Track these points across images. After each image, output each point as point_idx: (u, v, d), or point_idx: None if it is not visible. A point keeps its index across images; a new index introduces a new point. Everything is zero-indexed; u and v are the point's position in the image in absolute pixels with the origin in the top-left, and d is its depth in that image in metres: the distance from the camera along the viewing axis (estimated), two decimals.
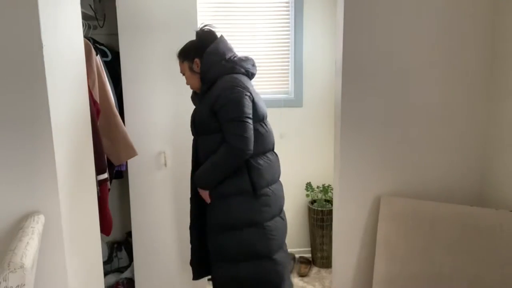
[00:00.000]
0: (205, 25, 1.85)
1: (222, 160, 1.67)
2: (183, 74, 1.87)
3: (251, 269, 1.74)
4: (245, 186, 1.71)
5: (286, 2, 2.83)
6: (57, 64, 1.31)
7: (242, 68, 1.76)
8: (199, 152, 1.82)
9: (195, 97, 1.90)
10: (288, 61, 2.89)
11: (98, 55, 2.14)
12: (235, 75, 1.72)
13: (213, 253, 1.82)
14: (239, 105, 1.64)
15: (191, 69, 1.82)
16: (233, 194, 1.73)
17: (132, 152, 2.19)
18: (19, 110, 1.20)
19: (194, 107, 1.90)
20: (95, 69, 2.03)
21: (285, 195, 3.07)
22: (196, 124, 1.80)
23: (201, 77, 1.79)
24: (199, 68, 1.79)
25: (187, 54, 1.83)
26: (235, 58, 1.77)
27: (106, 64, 2.27)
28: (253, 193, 1.71)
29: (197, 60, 1.79)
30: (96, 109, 1.95)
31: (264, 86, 2.91)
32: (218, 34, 1.83)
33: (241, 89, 1.66)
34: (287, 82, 2.92)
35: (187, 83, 1.87)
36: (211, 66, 1.75)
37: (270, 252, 1.76)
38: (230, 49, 1.80)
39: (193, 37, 1.85)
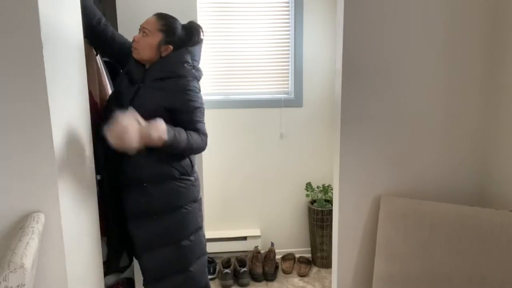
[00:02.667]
0: (193, 23, 1.81)
1: (196, 143, 1.67)
2: (143, 34, 1.69)
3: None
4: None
5: (286, 2, 2.83)
6: (57, 64, 1.31)
7: (199, 77, 1.82)
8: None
9: (136, 70, 1.74)
10: (288, 61, 2.89)
11: (98, 55, 2.14)
12: (197, 83, 1.77)
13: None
14: (203, 110, 1.75)
15: (157, 44, 1.69)
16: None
17: None
18: (19, 110, 1.20)
19: None
20: (95, 69, 2.03)
21: (285, 195, 3.07)
22: (141, 105, 1.63)
23: (162, 63, 1.70)
24: (164, 53, 1.71)
25: (170, 32, 1.72)
26: (200, 68, 1.82)
27: (106, 64, 2.27)
28: None
29: (170, 47, 1.72)
30: (96, 109, 1.95)
31: (264, 86, 2.92)
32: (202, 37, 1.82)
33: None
34: (287, 82, 2.92)
35: (138, 44, 1.70)
36: (184, 63, 1.72)
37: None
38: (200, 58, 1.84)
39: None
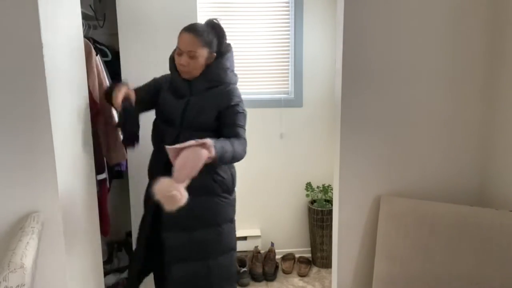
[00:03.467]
0: (215, 19, 1.77)
1: (238, 154, 1.65)
2: (191, 57, 1.66)
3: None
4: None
5: (286, 2, 2.83)
6: (57, 64, 1.31)
7: (237, 82, 1.85)
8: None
9: (182, 85, 1.73)
10: (288, 61, 2.89)
11: (98, 55, 2.14)
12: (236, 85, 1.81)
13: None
14: (246, 116, 1.78)
15: (205, 60, 1.70)
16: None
17: (121, 156, 2.20)
18: (19, 110, 1.20)
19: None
20: (95, 69, 2.03)
21: (285, 195, 3.07)
22: (191, 125, 1.69)
23: (206, 73, 1.71)
24: (210, 61, 1.72)
25: (210, 42, 1.70)
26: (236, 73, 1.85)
27: (106, 64, 2.27)
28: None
29: (214, 54, 1.73)
30: (96, 109, 1.95)
31: (264, 86, 2.91)
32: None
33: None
34: (287, 82, 2.92)
35: (188, 67, 1.68)
36: (227, 70, 1.75)
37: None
38: None
39: None
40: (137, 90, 1.74)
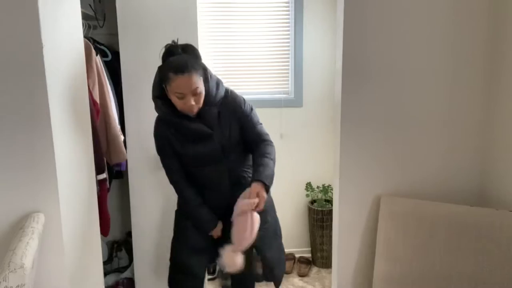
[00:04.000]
0: (174, 42, 1.68)
1: (274, 154, 1.76)
2: (195, 94, 1.58)
3: None
4: None
5: (286, 2, 2.83)
6: (57, 64, 1.31)
7: None
8: (234, 171, 1.79)
9: (197, 126, 1.67)
10: (288, 61, 2.89)
11: (98, 55, 2.15)
12: (229, 88, 1.79)
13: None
14: (254, 110, 1.81)
15: (203, 86, 1.61)
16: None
17: (121, 156, 2.20)
18: (19, 110, 1.20)
19: None
20: (95, 69, 2.03)
21: (285, 195, 3.07)
22: (230, 146, 1.72)
23: (209, 99, 1.64)
24: (202, 87, 1.61)
25: (199, 69, 1.60)
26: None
27: (106, 64, 2.28)
28: None
29: (202, 78, 1.62)
30: (96, 109, 1.95)
31: (264, 86, 2.91)
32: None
33: None
34: (287, 82, 2.92)
35: (198, 104, 1.61)
36: (217, 85, 1.69)
37: None
38: None
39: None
40: (174, 164, 1.79)
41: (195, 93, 1.58)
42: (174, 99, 1.59)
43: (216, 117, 1.69)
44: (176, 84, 1.54)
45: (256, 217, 1.58)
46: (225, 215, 1.72)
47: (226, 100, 1.71)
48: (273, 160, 1.73)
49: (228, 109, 1.71)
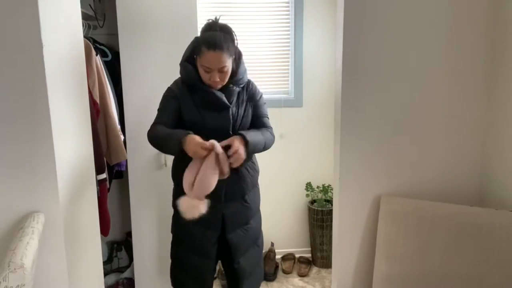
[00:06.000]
0: (216, 18, 1.72)
1: (270, 140, 1.82)
2: (221, 71, 1.66)
3: None
4: None
5: (286, 2, 2.83)
6: (57, 64, 1.31)
7: None
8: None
9: (215, 97, 1.71)
10: (288, 61, 2.89)
11: (98, 55, 2.15)
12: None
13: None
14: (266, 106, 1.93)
15: (231, 66, 1.71)
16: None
17: (121, 156, 2.20)
18: (19, 110, 1.20)
19: None
20: (95, 69, 2.03)
21: (285, 195, 3.07)
22: (240, 125, 1.77)
23: (235, 78, 1.74)
24: (229, 66, 1.69)
25: (233, 51, 1.70)
26: None
27: (106, 64, 2.27)
28: None
29: (232, 58, 1.71)
30: (96, 109, 1.95)
31: (264, 86, 2.91)
32: None
33: None
34: (287, 82, 2.92)
35: (222, 81, 1.69)
36: (245, 71, 1.81)
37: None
38: None
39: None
40: (166, 118, 1.75)
41: (222, 71, 1.67)
42: (201, 71, 1.69)
43: (236, 96, 1.79)
44: (206, 58, 1.64)
45: (223, 168, 1.56)
46: (225, 200, 1.75)
47: (248, 87, 1.84)
48: (266, 141, 1.78)
49: (248, 93, 1.83)
